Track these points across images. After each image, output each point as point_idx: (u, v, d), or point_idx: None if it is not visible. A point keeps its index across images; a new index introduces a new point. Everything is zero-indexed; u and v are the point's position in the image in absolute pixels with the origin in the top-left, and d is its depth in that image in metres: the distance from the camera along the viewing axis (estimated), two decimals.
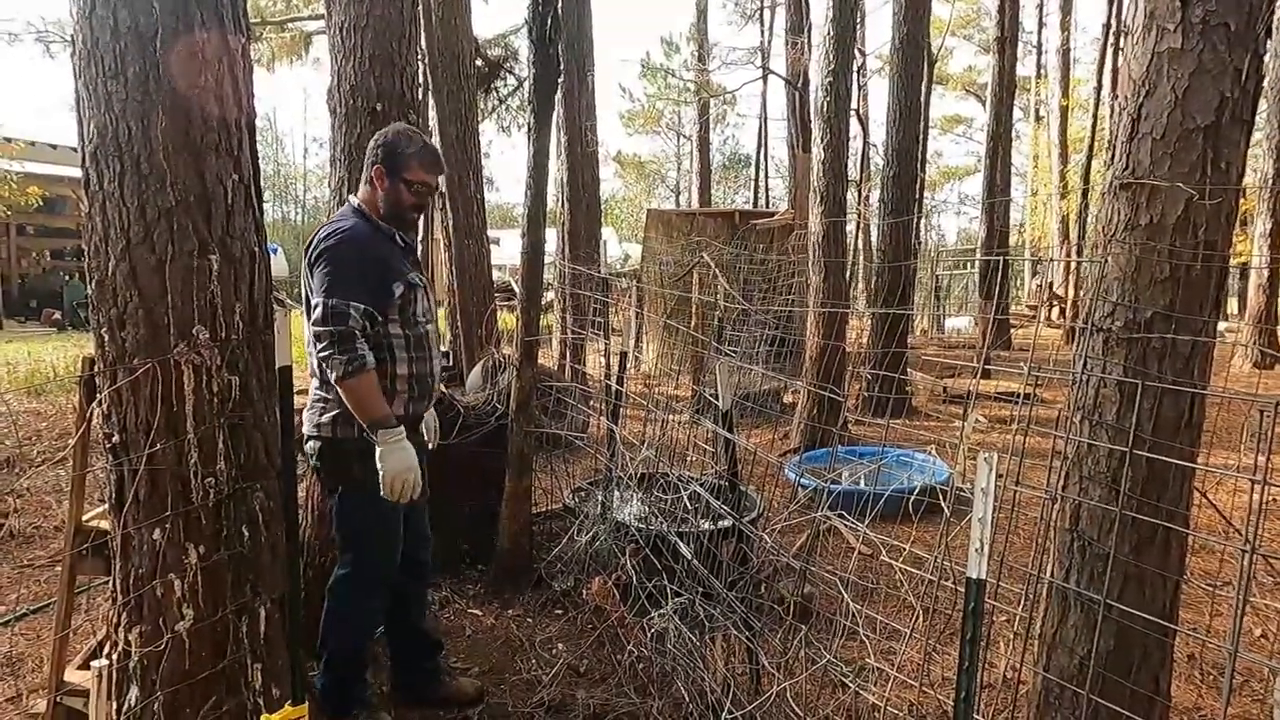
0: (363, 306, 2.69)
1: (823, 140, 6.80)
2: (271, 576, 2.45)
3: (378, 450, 2.65)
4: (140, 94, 2.16)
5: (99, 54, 2.16)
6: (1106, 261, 1.78)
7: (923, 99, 8.63)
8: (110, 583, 2.38)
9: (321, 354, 2.64)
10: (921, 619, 2.33)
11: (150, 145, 2.18)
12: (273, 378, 2.42)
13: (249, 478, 2.38)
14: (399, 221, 2.90)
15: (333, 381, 2.66)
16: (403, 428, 2.70)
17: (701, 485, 3.39)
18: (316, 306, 2.65)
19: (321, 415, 2.81)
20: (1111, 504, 1.74)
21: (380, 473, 2.66)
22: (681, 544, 2.99)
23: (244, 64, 2.34)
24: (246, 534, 2.38)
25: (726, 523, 3.07)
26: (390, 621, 3.18)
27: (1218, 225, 1.70)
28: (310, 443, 2.84)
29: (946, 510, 1.74)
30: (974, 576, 1.59)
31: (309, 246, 2.80)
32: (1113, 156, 1.81)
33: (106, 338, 2.25)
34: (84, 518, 2.68)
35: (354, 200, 2.93)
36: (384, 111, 3.54)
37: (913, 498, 3.19)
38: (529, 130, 4.17)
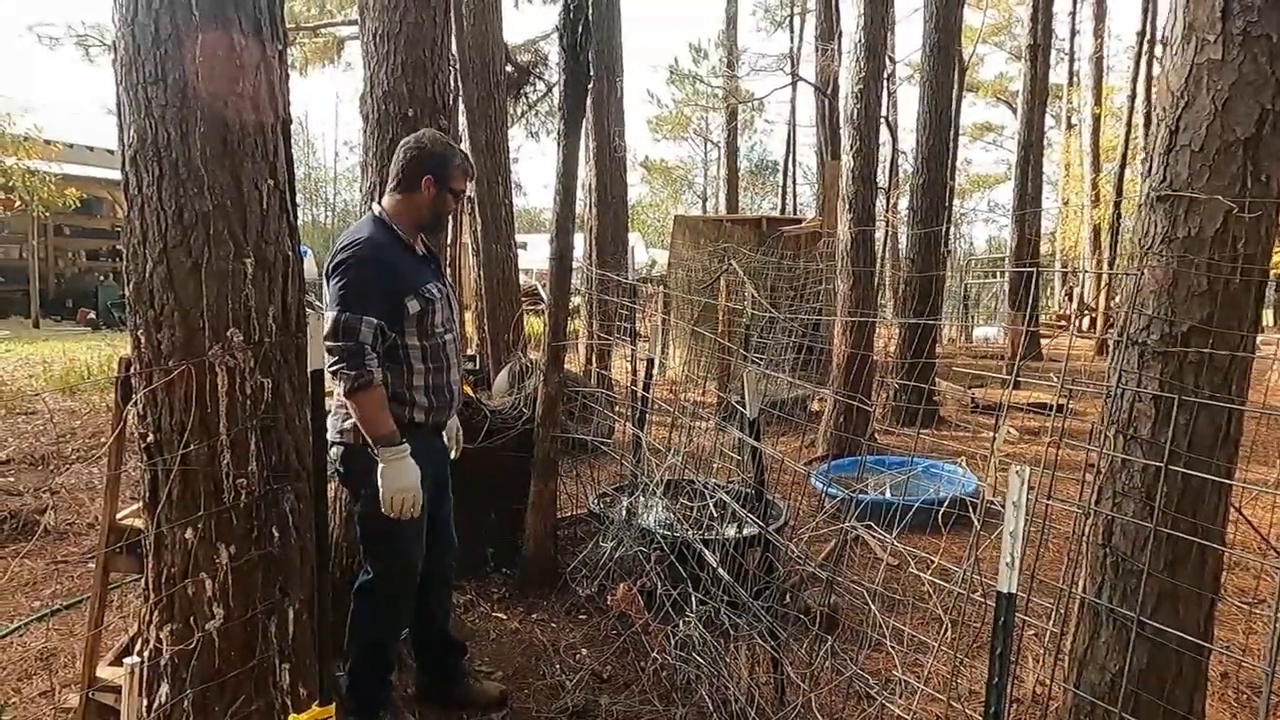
0: (375, 321, 2.71)
1: (852, 148, 6.78)
2: (301, 578, 2.47)
3: (379, 466, 2.68)
4: (180, 100, 2.19)
5: (140, 60, 2.19)
6: (1143, 274, 1.75)
7: (953, 107, 8.55)
8: (143, 580, 2.41)
9: (332, 367, 2.66)
10: (950, 631, 2.31)
11: (188, 150, 2.21)
12: (304, 380, 2.45)
13: (280, 479, 2.40)
14: (434, 228, 2.94)
15: (340, 395, 2.69)
16: (407, 445, 2.71)
17: (728, 493, 3.38)
18: (329, 320, 2.68)
19: (344, 421, 2.83)
20: (1145, 520, 1.72)
21: (380, 489, 2.68)
22: (707, 551, 2.98)
23: (280, 70, 2.37)
24: (277, 535, 2.40)
25: (752, 530, 3.07)
26: (415, 624, 3.20)
27: (1257, 238, 1.67)
28: (333, 449, 2.86)
29: (976, 523, 1.72)
30: (1005, 591, 1.58)
31: (328, 258, 2.83)
32: (1149, 169, 1.79)
33: (143, 339, 2.28)
34: (118, 516, 2.72)
35: (375, 209, 2.93)
36: (416, 117, 3.57)
37: (941, 510, 3.16)
38: (559, 136, 4.19)
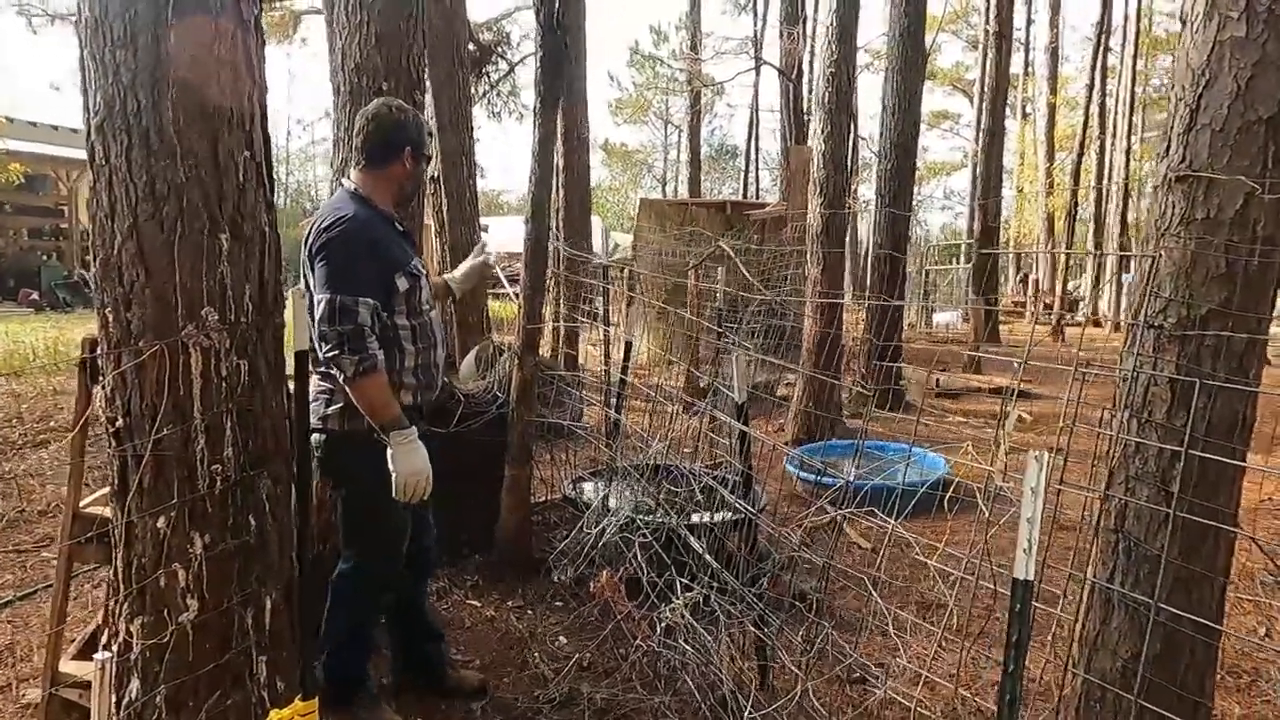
0: (371, 302, 2.58)
1: (823, 132, 6.75)
2: (279, 567, 2.38)
3: (390, 451, 2.57)
4: (151, 64, 2.07)
5: (108, 22, 2.07)
6: (1159, 256, 1.73)
7: (920, 93, 8.57)
8: (111, 572, 2.29)
9: (329, 353, 2.53)
10: (956, 618, 2.30)
11: (160, 118, 2.09)
12: (281, 361, 2.35)
13: (257, 465, 2.30)
14: (409, 199, 2.86)
15: (341, 382, 2.56)
16: (414, 428, 2.62)
17: (713, 478, 3.34)
18: (321, 303, 2.53)
19: (327, 407, 2.71)
20: (1160, 504, 1.71)
21: (393, 474, 2.57)
22: (693, 538, 2.94)
23: (257, 35, 2.26)
24: (253, 523, 2.30)
25: (738, 516, 3.03)
26: (393, 612, 3.12)
27: (1277, 220, 1.66)
28: (315, 435, 2.75)
29: (985, 508, 1.69)
30: (1021, 577, 1.55)
31: (308, 236, 2.68)
32: (1167, 149, 1.77)
33: (111, 318, 2.17)
34: (81, 504, 2.59)
35: (348, 184, 2.80)
36: (390, 90, 3.45)
37: (921, 494, 3.16)
38: (535, 113, 4.09)
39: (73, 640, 2.86)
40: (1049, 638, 2.52)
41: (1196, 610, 1.68)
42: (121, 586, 2.26)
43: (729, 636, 2.89)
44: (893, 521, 1.93)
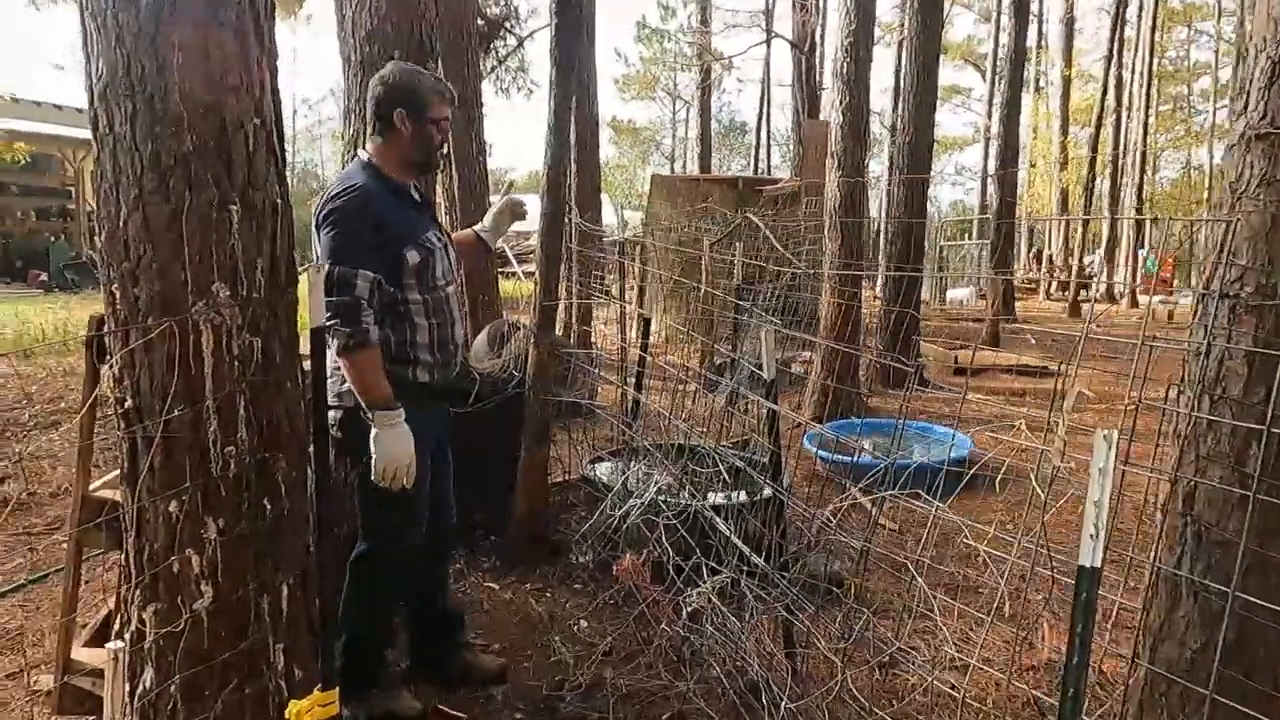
0: (371, 275, 2.49)
1: (841, 103, 6.60)
2: (295, 552, 2.30)
3: (373, 433, 2.48)
4: (155, 26, 1.96)
5: None
6: (1237, 221, 1.62)
7: (937, 64, 8.39)
8: (123, 557, 2.22)
9: (326, 322, 2.43)
10: (1005, 604, 2.21)
11: (165, 84, 1.98)
12: (296, 339, 2.25)
13: (271, 447, 2.21)
14: (427, 166, 2.75)
15: (334, 354, 2.47)
16: (401, 410, 2.52)
17: (736, 457, 3.25)
18: (320, 273, 2.45)
19: (343, 384, 2.63)
20: (1234, 486, 1.61)
21: (373, 457, 2.49)
22: (720, 521, 2.85)
23: None
24: (269, 507, 2.22)
25: (766, 494, 2.93)
26: (411, 596, 3.04)
27: None
28: (331, 413, 2.67)
29: (1040, 491, 1.59)
30: (1088, 564, 1.45)
31: (317, 207, 2.59)
32: (1245, 105, 1.65)
33: (118, 295, 2.07)
34: (90, 487, 2.52)
35: (363, 155, 2.71)
36: (402, 59, 3.34)
37: (984, 473, 3.06)
38: (551, 86, 3.97)
39: (86, 625, 2.80)
40: (1109, 625, 2.43)
41: (1274, 598, 1.58)
42: (133, 573, 2.19)
43: (764, 620, 2.81)
44: (937, 503, 1.84)
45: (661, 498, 3.34)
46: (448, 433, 2.95)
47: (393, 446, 2.49)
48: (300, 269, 2.16)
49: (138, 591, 2.18)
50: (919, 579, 1.94)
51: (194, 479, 2.10)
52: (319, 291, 2.09)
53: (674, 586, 2.94)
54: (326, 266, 2.45)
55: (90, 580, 3.74)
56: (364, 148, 2.76)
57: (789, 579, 2.49)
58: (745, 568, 2.69)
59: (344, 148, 3.51)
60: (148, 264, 2.04)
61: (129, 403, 2.10)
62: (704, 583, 2.72)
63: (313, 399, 2.16)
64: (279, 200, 2.20)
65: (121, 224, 2.04)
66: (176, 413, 2.07)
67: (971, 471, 2.43)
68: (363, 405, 2.51)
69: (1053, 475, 1.57)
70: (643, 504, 3.05)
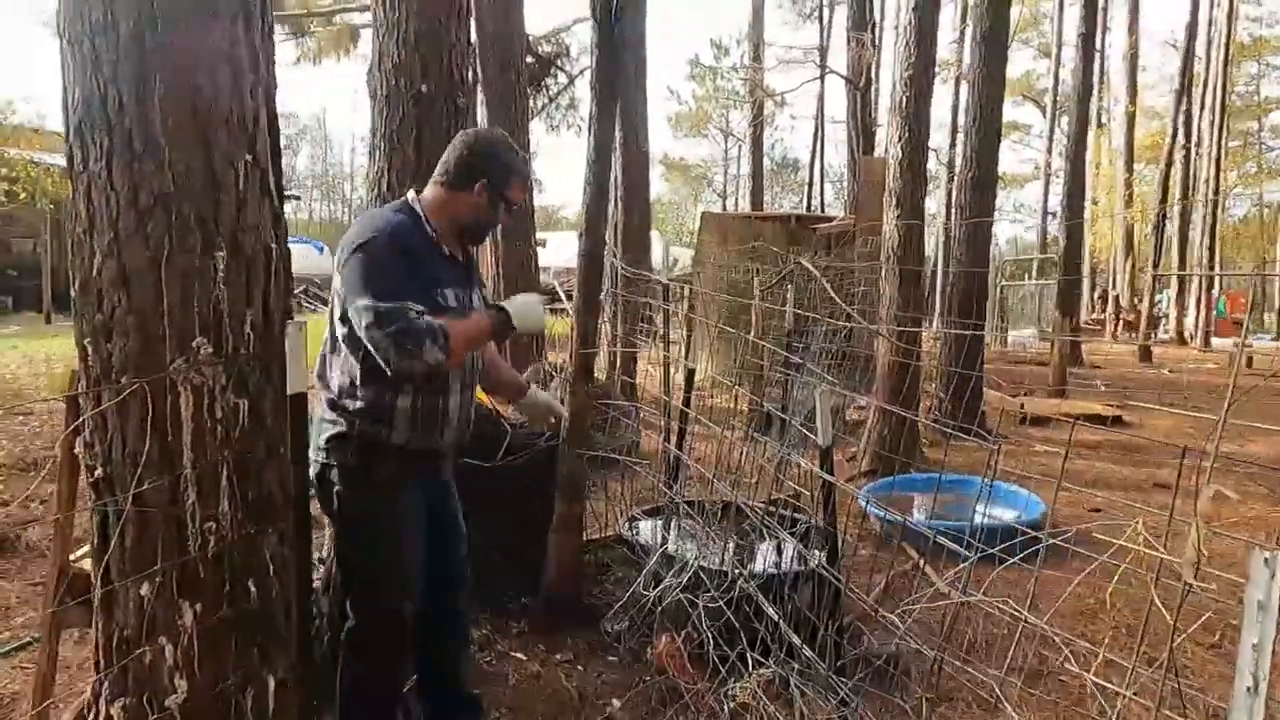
0: (420, 308, 2.20)
1: (900, 138, 6.30)
2: (283, 640, 2.04)
3: (513, 311, 2.41)
4: (135, 52, 1.76)
5: (87, 5, 1.77)
6: None
7: (1001, 99, 8.06)
8: (93, 644, 1.98)
9: (385, 356, 2.14)
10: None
11: (146, 116, 1.78)
12: (287, 400, 2.02)
13: (259, 521, 1.97)
14: (476, 238, 2.55)
15: (432, 365, 2.18)
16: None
17: (786, 535, 2.93)
18: (363, 311, 2.15)
19: (319, 436, 2.36)
20: None
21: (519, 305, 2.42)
22: (767, 604, 2.53)
23: (262, 21, 1.94)
24: (254, 589, 1.98)
25: (815, 574, 2.61)
26: (422, 675, 2.77)
27: None
28: (312, 468, 2.37)
29: (1165, 612, 1.27)
30: None
31: (345, 245, 2.34)
32: None
33: (90, 349, 1.86)
34: (72, 557, 2.30)
35: (412, 196, 2.48)
36: (430, 94, 3.15)
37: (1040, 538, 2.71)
38: (591, 119, 3.74)
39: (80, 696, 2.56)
40: None
41: None
42: (103, 661, 1.95)
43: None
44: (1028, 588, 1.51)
45: (701, 565, 3.03)
46: (450, 497, 2.67)
47: (527, 309, 2.44)
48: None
49: (106, 682, 1.94)
50: (1003, 678, 1.62)
51: (168, 558, 1.87)
52: (299, 352, 1.84)
53: (717, 675, 2.62)
54: (366, 302, 2.15)
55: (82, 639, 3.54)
56: (416, 191, 2.51)
57: (844, 664, 2.16)
58: (794, 656, 2.37)
59: (368, 185, 3.31)
60: (122, 316, 1.82)
61: (99, 471, 1.88)
62: (749, 674, 2.40)
63: (294, 470, 1.92)
64: (274, 244, 1.98)
65: (95, 271, 1.83)
66: (150, 483, 1.84)
67: (1050, 540, 2.09)
68: (362, 450, 2.31)
69: (1184, 594, 1.25)
70: (681, 583, 2.75)
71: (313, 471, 2.36)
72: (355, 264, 2.23)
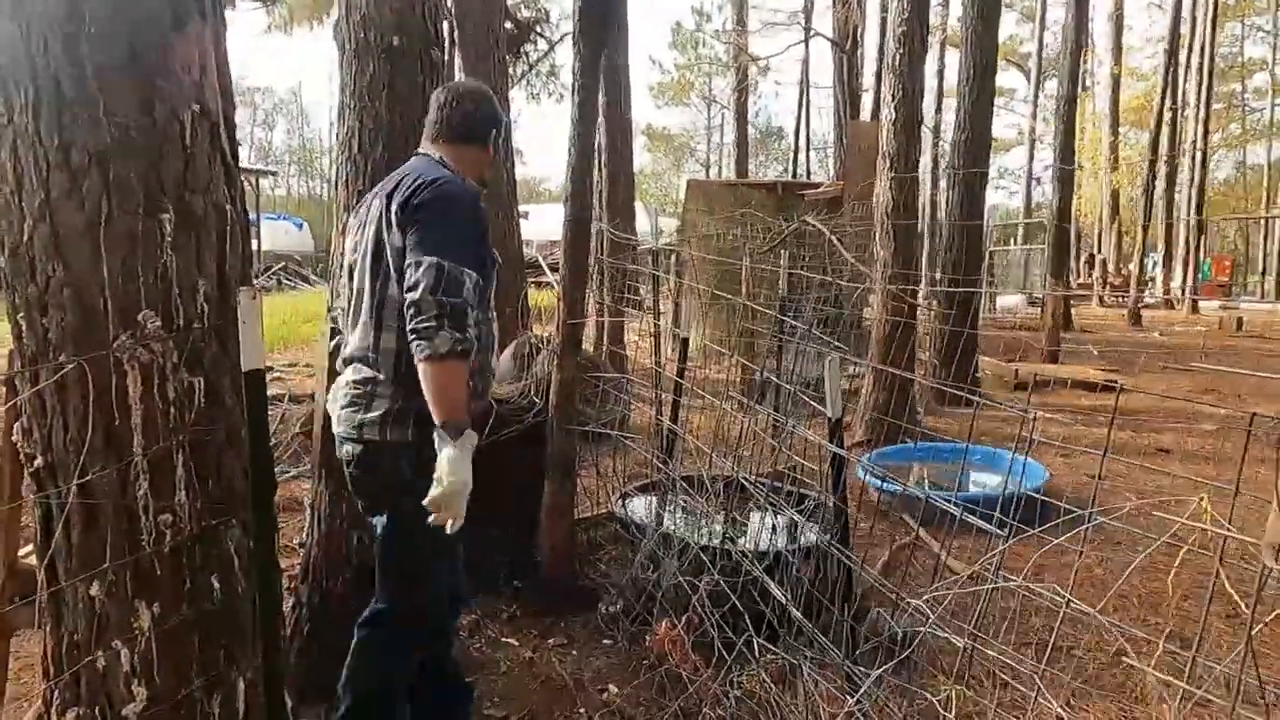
0: (475, 276, 2.11)
1: (894, 99, 6.10)
2: (252, 638, 1.87)
3: (447, 454, 2.01)
4: None
5: None
6: None
7: (994, 59, 7.87)
8: (42, 649, 1.81)
9: (423, 324, 1.99)
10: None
11: (77, 63, 1.58)
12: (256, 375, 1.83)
13: (221, 512, 1.80)
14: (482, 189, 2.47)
15: (425, 359, 2.01)
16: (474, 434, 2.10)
17: (792, 512, 2.78)
18: (424, 266, 2.02)
19: (366, 411, 2.19)
20: None
21: (440, 487, 2.00)
22: (774, 586, 2.38)
23: None
24: (217, 586, 1.80)
25: (819, 546, 2.46)
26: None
27: None
28: (347, 446, 2.24)
29: (1241, 604, 1.12)
30: None
31: (409, 195, 2.14)
32: None
33: (24, 325, 1.67)
34: (21, 553, 2.12)
35: (431, 153, 2.34)
36: (402, 48, 2.93)
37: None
38: (574, 81, 3.54)
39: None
40: None
41: None
42: (53, 668, 1.78)
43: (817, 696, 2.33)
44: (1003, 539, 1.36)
45: (700, 544, 2.88)
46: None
47: (464, 475, 2.03)
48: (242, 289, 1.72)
49: (57, 691, 1.77)
50: (1024, 658, 1.47)
51: (119, 555, 1.69)
52: (254, 325, 1.65)
53: (722, 663, 2.47)
54: (432, 259, 2.03)
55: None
56: (430, 150, 2.34)
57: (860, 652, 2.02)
58: (803, 641, 2.22)
59: (339, 145, 3.10)
60: (58, 287, 1.63)
61: (39, 460, 1.69)
62: (757, 660, 2.26)
63: (253, 449, 1.74)
64: (228, 205, 1.78)
65: (26, 237, 1.63)
66: (96, 473, 1.66)
67: (1068, 517, 1.95)
68: (442, 424, 2.04)
69: (1262, 579, 1.10)
70: (680, 565, 2.60)
71: (350, 450, 2.22)
72: (428, 220, 2.10)
